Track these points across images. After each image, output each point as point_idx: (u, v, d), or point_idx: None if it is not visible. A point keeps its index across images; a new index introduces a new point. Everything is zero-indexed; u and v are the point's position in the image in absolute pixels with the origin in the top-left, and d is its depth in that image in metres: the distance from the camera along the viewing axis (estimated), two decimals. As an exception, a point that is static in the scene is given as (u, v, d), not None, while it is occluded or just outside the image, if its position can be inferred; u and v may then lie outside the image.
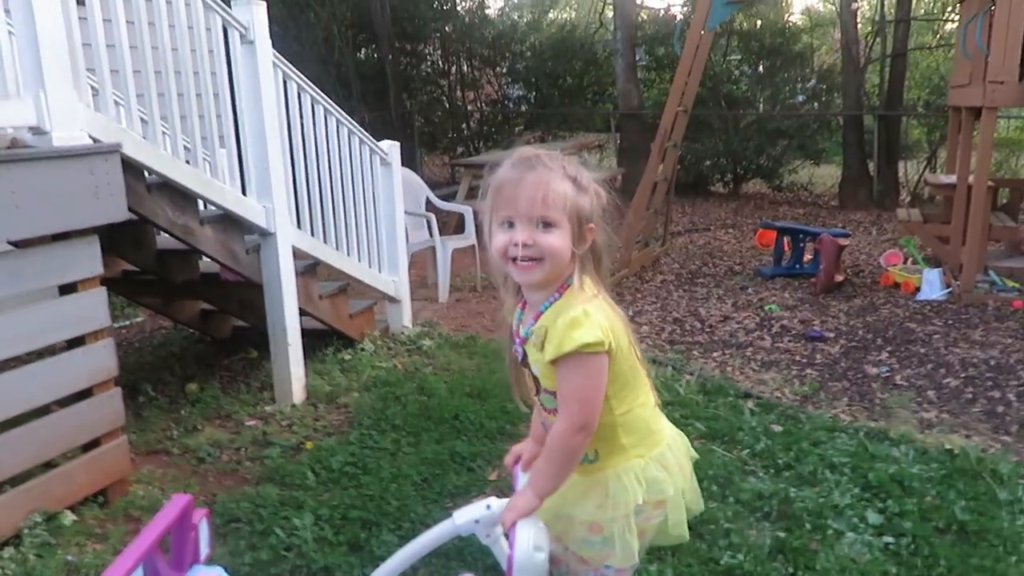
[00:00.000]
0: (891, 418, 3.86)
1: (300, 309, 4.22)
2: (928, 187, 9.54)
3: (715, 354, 4.88)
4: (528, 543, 1.38)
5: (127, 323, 5.74)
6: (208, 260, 4.06)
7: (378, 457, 3.43)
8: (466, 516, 1.77)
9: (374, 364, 4.62)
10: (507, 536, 1.52)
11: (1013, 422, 3.82)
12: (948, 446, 3.45)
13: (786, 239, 7.03)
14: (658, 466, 1.63)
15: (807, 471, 3.27)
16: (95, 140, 2.98)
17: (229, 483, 3.34)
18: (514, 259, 1.52)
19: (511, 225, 1.51)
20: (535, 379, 1.63)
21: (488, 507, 1.76)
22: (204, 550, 1.87)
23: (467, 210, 6.89)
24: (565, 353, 1.47)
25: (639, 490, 1.60)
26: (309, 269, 4.47)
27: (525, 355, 1.63)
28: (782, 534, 2.81)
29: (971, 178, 6.61)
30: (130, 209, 3.19)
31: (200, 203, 3.79)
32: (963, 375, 4.40)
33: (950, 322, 5.38)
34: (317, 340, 4.72)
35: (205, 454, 3.56)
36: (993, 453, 3.45)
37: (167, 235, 3.68)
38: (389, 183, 5.12)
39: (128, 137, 3.18)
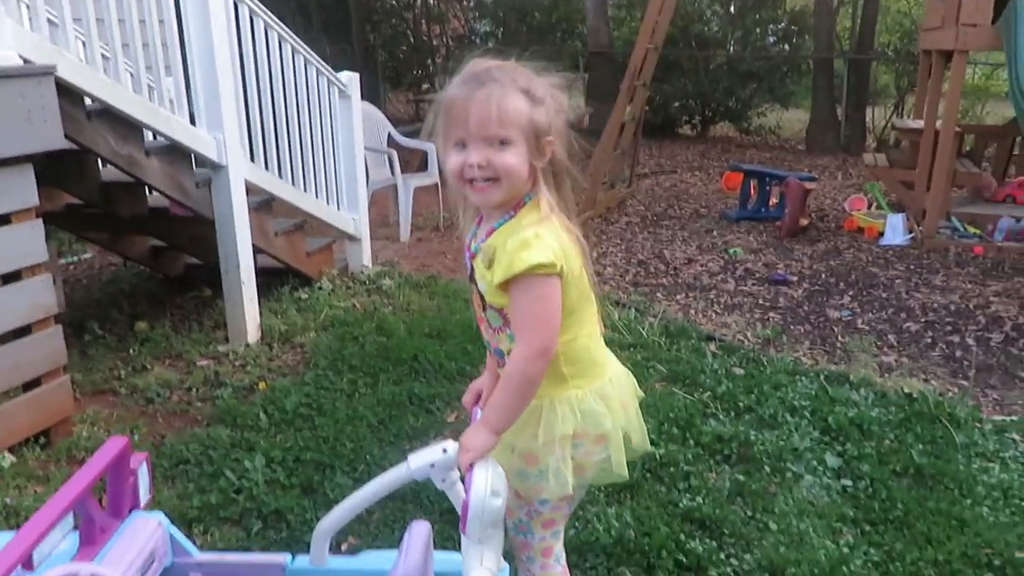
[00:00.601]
0: (852, 362, 3.87)
1: (255, 246, 4.08)
2: (895, 132, 9.52)
3: (679, 297, 4.84)
4: (485, 487, 1.30)
5: (75, 259, 5.54)
6: (158, 194, 3.89)
7: (334, 398, 3.35)
8: (421, 460, 1.70)
9: (332, 304, 4.51)
10: (463, 480, 1.44)
11: (971, 366, 3.84)
12: (907, 390, 3.45)
13: (753, 182, 6.99)
14: (596, 399, 1.54)
15: (767, 414, 3.26)
16: (26, 61, 2.78)
17: (178, 424, 3.24)
18: (470, 180, 1.43)
19: (464, 146, 1.42)
20: (481, 296, 1.55)
21: (444, 451, 1.68)
22: (144, 496, 1.78)
23: (430, 147, 6.70)
24: (516, 274, 1.38)
25: (572, 420, 1.53)
26: (263, 205, 4.31)
27: (473, 270, 1.55)
28: (741, 477, 2.79)
29: (938, 123, 6.59)
30: (68, 137, 3.02)
31: (147, 134, 3.60)
32: (923, 320, 4.42)
33: (912, 267, 5.39)
34: (272, 278, 4.59)
35: (154, 394, 3.45)
36: (951, 397, 3.47)
37: (113, 167, 3.50)
38: (348, 117, 4.93)
39: (64, 59, 2.98)
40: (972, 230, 6.26)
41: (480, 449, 1.42)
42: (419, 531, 1.64)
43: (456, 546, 2.13)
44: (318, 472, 2.79)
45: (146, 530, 1.68)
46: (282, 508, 2.56)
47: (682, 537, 2.46)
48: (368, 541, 2.43)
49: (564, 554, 1.63)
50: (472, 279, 1.58)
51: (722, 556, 2.40)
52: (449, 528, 2.37)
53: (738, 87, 11.48)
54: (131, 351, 3.87)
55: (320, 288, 4.67)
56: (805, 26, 11.83)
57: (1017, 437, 3.16)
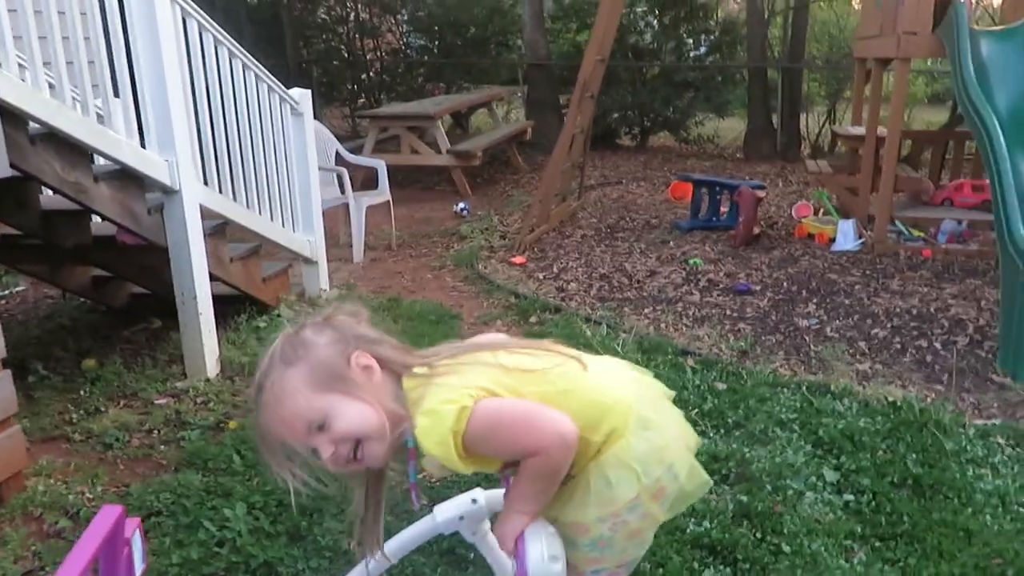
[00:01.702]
0: (828, 371, 3.86)
1: (210, 274, 3.86)
2: (838, 139, 9.74)
3: (647, 310, 4.79)
4: (541, 555, 1.18)
5: (6, 293, 5.18)
6: (101, 221, 3.65)
7: (309, 434, 3.16)
8: (448, 512, 1.57)
9: (293, 331, 4.30)
10: (512, 554, 1.31)
11: (943, 371, 3.88)
12: (891, 398, 3.46)
13: (703, 192, 7.01)
14: (642, 432, 1.36)
15: (758, 429, 3.21)
16: (-36, 83, 2.55)
17: (143, 471, 3.01)
18: (349, 461, 1.31)
19: (312, 451, 1.30)
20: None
21: (474, 501, 1.56)
22: (139, 566, 1.60)
23: (380, 164, 6.55)
24: (457, 452, 1.22)
25: (633, 477, 1.34)
26: (218, 230, 4.10)
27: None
28: (744, 497, 2.73)
29: (881, 130, 6.74)
30: (12, 165, 2.78)
31: (95, 158, 3.37)
32: (889, 325, 4.46)
33: (868, 272, 5.47)
34: (227, 307, 4.36)
35: (112, 439, 3.20)
36: (932, 404, 3.48)
37: (54, 194, 3.25)
38: (301, 135, 4.75)
39: (3, 79, 2.74)
40: (916, 233, 6.39)
41: (518, 530, 1.29)
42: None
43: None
44: (304, 517, 2.61)
45: (148, 607, 1.50)
46: (271, 559, 2.39)
47: (696, 566, 2.38)
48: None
49: None
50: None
51: (739, 584, 2.33)
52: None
53: (675, 97, 11.59)
54: (81, 392, 3.61)
55: (278, 315, 4.46)
56: (737, 36, 12.04)
57: (1002, 441, 3.18)
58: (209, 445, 3.10)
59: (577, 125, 6.87)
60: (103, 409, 3.46)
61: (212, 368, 3.80)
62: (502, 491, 1.59)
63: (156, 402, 3.53)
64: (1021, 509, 2.71)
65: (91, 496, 2.81)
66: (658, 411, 1.43)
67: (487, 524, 1.59)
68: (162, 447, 3.16)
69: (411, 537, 1.56)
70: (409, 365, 1.32)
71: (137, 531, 1.58)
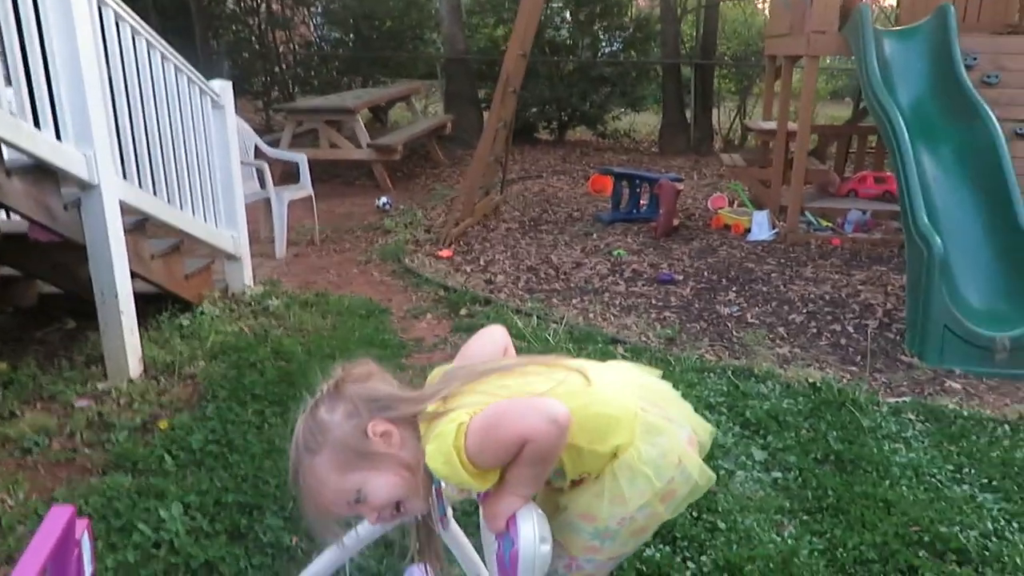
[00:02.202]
0: (751, 356, 4.01)
1: (131, 272, 3.73)
2: (750, 133, 10.06)
3: (575, 301, 4.87)
4: (533, 534, 1.20)
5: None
6: (7, 219, 3.49)
7: (243, 432, 3.10)
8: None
9: (218, 329, 4.20)
10: (498, 536, 1.32)
11: (856, 353, 4.08)
12: (811, 380, 3.62)
13: (624, 184, 7.16)
14: (651, 438, 1.38)
15: (688, 413, 3.31)
16: None
17: (66, 475, 2.89)
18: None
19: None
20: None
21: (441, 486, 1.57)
22: (88, 568, 1.55)
23: (301, 158, 6.43)
24: (466, 467, 1.25)
25: (646, 481, 1.36)
26: (138, 226, 3.96)
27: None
28: (679, 478, 2.81)
29: (792, 124, 7.01)
30: (-82, 158, 2.63)
31: (4, 151, 3.21)
32: (805, 311, 4.66)
33: (782, 261, 5.69)
34: (149, 305, 4.22)
35: (30, 443, 3.06)
36: (849, 384, 3.66)
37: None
38: (222, 128, 4.63)
39: (-91, 69, 2.60)
40: (824, 223, 6.69)
41: (510, 511, 1.31)
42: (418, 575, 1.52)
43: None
44: (244, 515, 2.56)
45: (101, 609, 1.46)
46: (212, 559, 2.34)
47: (637, 545, 2.45)
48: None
49: None
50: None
51: (678, 561, 2.41)
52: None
53: (591, 92, 11.77)
54: (-6, 396, 3.44)
55: (202, 313, 4.35)
56: (650, 33, 12.29)
57: (912, 417, 3.38)
58: (137, 447, 3.00)
59: (500, 119, 6.90)
60: (18, 413, 3.31)
61: (135, 368, 3.68)
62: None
63: (76, 404, 3.39)
64: (933, 479, 2.89)
65: (13, 504, 2.69)
66: (665, 413, 1.45)
67: (450, 511, 1.61)
68: (86, 450, 3.04)
69: (373, 528, 1.56)
70: (420, 411, 1.35)
71: (86, 532, 1.54)
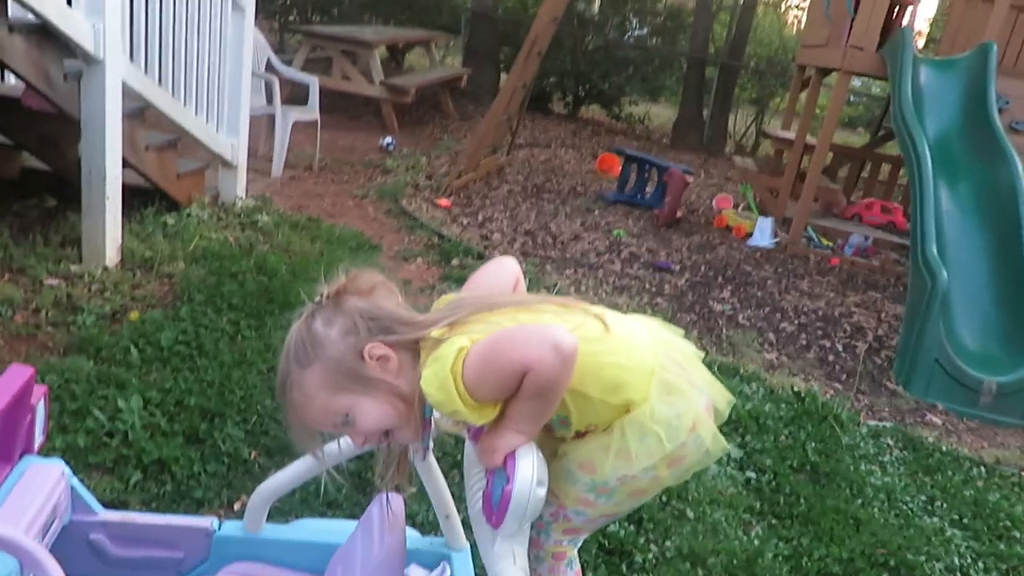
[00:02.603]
0: (739, 355, 3.95)
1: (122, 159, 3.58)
2: (767, 139, 9.96)
3: (568, 272, 4.78)
4: (531, 476, 1.10)
5: None
6: (2, 82, 3.32)
7: (215, 338, 2.99)
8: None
9: (203, 234, 4.06)
10: (494, 471, 1.21)
11: (843, 371, 4.03)
12: (796, 388, 3.56)
13: (633, 167, 7.05)
14: (666, 396, 1.26)
15: (669, 400, 3.24)
16: None
17: (25, 350, 2.77)
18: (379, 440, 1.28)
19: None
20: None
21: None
22: (39, 437, 1.45)
23: (313, 80, 6.26)
24: (463, 395, 1.14)
25: (657, 441, 1.24)
26: (136, 113, 3.80)
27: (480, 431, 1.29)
28: (653, 461, 2.75)
29: (809, 138, 6.93)
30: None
31: (10, 6, 3.04)
32: (796, 322, 4.60)
33: (779, 270, 5.63)
34: (135, 197, 4.06)
35: (-8, 312, 2.94)
36: (832, 399, 3.61)
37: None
38: (239, 32, 4.46)
39: None
40: (825, 242, 6.63)
41: (509, 447, 1.18)
42: (393, 504, 1.43)
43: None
44: (204, 420, 2.46)
45: (47, 481, 1.37)
46: (165, 458, 2.24)
47: (603, 520, 2.38)
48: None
49: (578, 561, 1.42)
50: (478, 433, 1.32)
51: (642, 541, 2.34)
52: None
53: (613, 72, 11.59)
54: (-39, 259, 3.30)
55: (189, 215, 4.20)
56: (680, 25, 12.13)
57: (891, 442, 3.33)
58: (103, 334, 2.88)
59: (521, 79, 6.75)
60: (-15, 280, 3.17)
61: (112, 256, 3.54)
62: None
63: (46, 282, 3.26)
64: (905, 507, 2.84)
65: (-36, 369, 2.56)
66: (685, 375, 1.32)
67: (430, 444, 1.51)
68: (50, 328, 2.92)
69: (348, 447, 1.46)
70: (423, 337, 1.22)
71: (43, 400, 1.43)
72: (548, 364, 1.12)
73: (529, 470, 1.10)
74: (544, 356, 1.12)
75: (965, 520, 2.82)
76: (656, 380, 1.28)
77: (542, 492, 1.11)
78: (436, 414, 1.34)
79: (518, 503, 1.08)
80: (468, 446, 1.39)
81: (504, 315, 1.26)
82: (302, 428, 1.26)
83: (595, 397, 1.24)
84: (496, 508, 1.13)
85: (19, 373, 1.31)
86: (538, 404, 1.18)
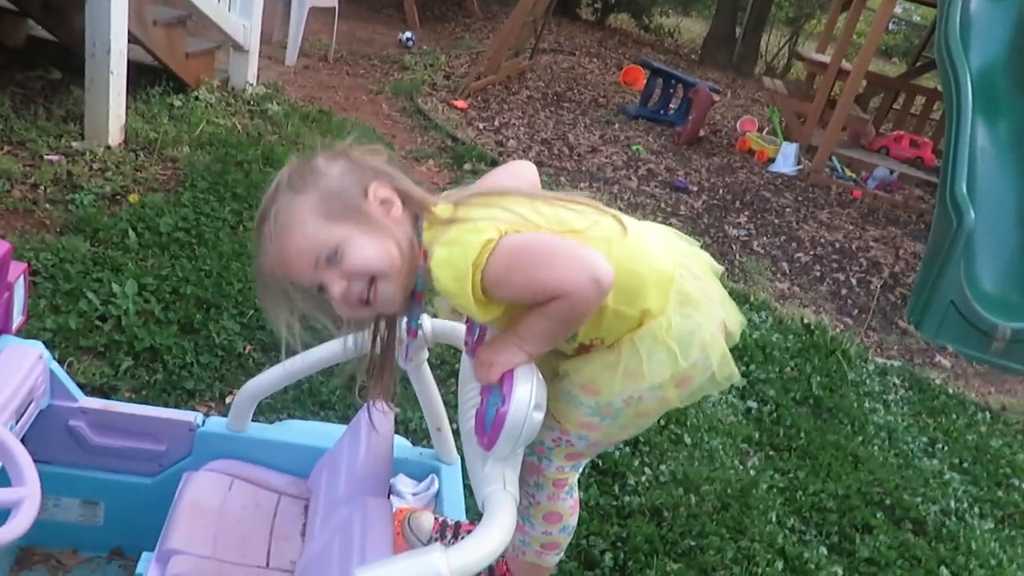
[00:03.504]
0: (750, 283, 3.87)
1: (129, 33, 3.42)
2: (801, 62, 9.62)
3: (582, 184, 4.65)
4: (528, 399, 1.03)
5: None
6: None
7: (216, 228, 2.91)
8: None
9: (210, 119, 3.94)
10: (490, 388, 1.13)
11: (855, 306, 3.95)
12: (806, 320, 3.49)
13: (658, 82, 6.81)
14: (683, 309, 1.17)
15: (676, 323, 3.18)
16: None
17: (22, 226, 2.70)
18: (360, 303, 1.09)
19: (320, 289, 1.09)
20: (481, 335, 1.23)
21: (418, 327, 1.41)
22: (18, 317, 1.39)
23: (333, -35, 5.98)
24: (473, 289, 1.04)
25: (670, 358, 1.16)
26: (145, -16, 3.62)
27: (472, 325, 1.22)
28: (654, 384, 2.70)
29: (844, 63, 6.66)
30: None
31: None
32: (812, 252, 4.50)
33: (799, 198, 5.48)
34: (141, 76, 3.92)
35: (-11, 184, 2.86)
36: (842, 333, 3.54)
37: None
38: (257, -97, 4.21)
39: None
40: (849, 173, 6.45)
41: (508, 364, 1.10)
42: (382, 413, 1.37)
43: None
44: (200, 310, 2.41)
45: (23, 363, 1.31)
46: (158, 346, 2.19)
47: (598, 439, 2.34)
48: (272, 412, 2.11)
49: (577, 488, 1.36)
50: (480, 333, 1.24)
51: (636, 464, 2.31)
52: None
53: (646, -20, 11.18)
54: (-42, 127, 3.20)
55: (197, 98, 4.07)
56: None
57: (897, 381, 3.28)
58: (102, 214, 2.80)
59: (550, -22, 6.46)
60: (-18, 151, 3.08)
61: (115, 135, 3.43)
62: (450, 323, 1.43)
63: (46, 157, 3.16)
64: (905, 447, 2.80)
65: (-42, 240, 2.49)
66: (702, 287, 1.23)
67: (425, 353, 1.45)
68: (47, 205, 2.83)
69: (340, 349, 1.39)
70: (431, 203, 1.12)
71: (22, 278, 1.36)
72: (584, 294, 1.04)
73: (527, 393, 1.03)
74: (582, 285, 1.03)
75: (965, 464, 2.79)
76: (674, 290, 1.18)
77: (539, 416, 1.04)
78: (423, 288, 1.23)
79: (512, 426, 1.02)
80: (465, 359, 1.33)
81: (520, 203, 1.14)
82: (276, 267, 1.10)
83: (609, 305, 1.13)
84: (489, 430, 1.06)
85: (-6, 249, 1.24)
86: (556, 328, 1.09)
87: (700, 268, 1.25)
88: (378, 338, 1.22)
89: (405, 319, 1.22)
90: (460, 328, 1.43)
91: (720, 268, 1.33)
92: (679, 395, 1.20)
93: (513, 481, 1.08)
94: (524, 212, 1.10)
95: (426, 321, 1.41)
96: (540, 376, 1.08)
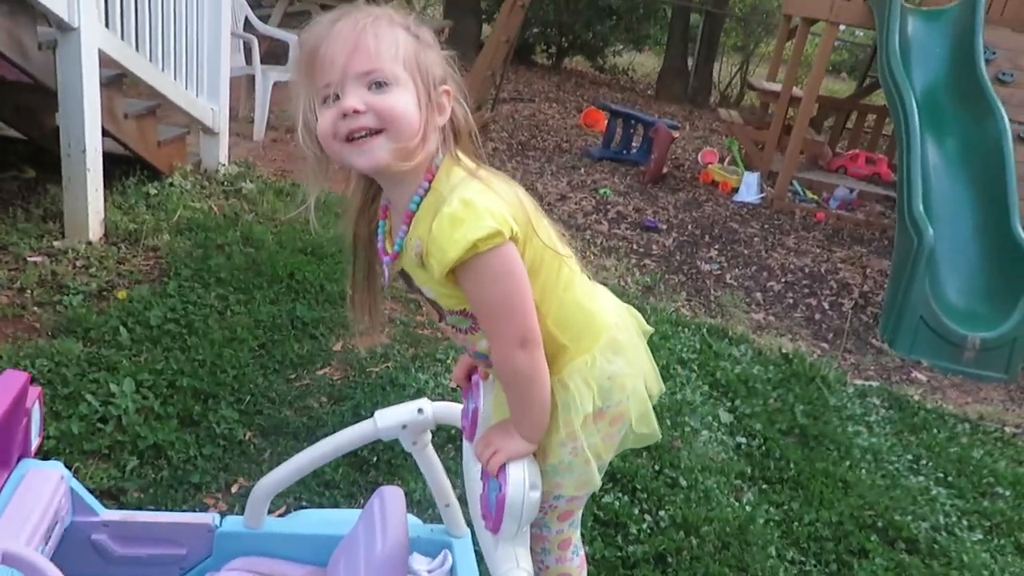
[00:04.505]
0: (727, 316, 3.97)
1: (102, 128, 3.50)
2: (753, 91, 9.88)
3: (555, 233, 4.76)
4: (523, 480, 1.11)
5: None
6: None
7: (204, 315, 2.97)
8: (391, 419, 1.49)
9: (186, 203, 4.01)
10: (483, 476, 1.23)
11: (829, 330, 4.07)
12: (784, 350, 3.59)
13: (618, 123, 6.99)
14: (611, 355, 1.30)
15: (660, 365, 3.24)
16: None
17: (12, 332, 2.74)
18: (348, 138, 1.14)
19: (336, 98, 1.13)
20: (433, 304, 1.30)
21: (420, 411, 1.48)
22: (35, 439, 1.44)
23: (292, 39, 6.11)
24: (456, 260, 1.12)
25: (590, 394, 1.27)
26: (114, 80, 3.71)
27: (408, 277, 1.27)
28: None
29: (795, 89, 6.88)
30: None
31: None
32: (783, 280, 4.63)
33: (766, 226, 5.64)
34: (116, 167, 3.99)
35: (-24, 293, 2.90)
36: (820, 358, 3.65)
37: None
38: (216, -8, 4.33)
39: None
40: (811, 195, 6.64)
41: (514, 454, 1.21)
42: (393, 498, 1.44)
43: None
44: (198, 401, 2.46)
45: (46, 485, 1.37)
46: (161, 442, 2.23)
47: (596, 492, 2.41)
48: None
49: (582, 545, 1.44)
50: (411, 288, 1.30)
51: (636, 512, 2.38)
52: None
53: (596, 21, 11.45)
54: (-60, 237, 3.24)
55: (172, 184, 4.14)
56: (665, -29, 11.95)
57: (877, 401, 3.38)
58: (91, 313, 2.85)
59: (505, 32, 6.64)
60: (-34, 259, 3.12)
61: (95, 230, 3.49)
62: (449, 404, 1.52)
63: (29, 259, 3.21)
64: (891, 467, 2.90)
65: (-48, 353, 2.54)
66: (633, 342, 1.37)
67: (428, 436, 1.52)
68: (36, 309, 2.88)
69: (348, 439, 1.47)
70: (459, 151, 1.21)
71: (37, 402, 1.42)
72: (508, 352, 1.19)
73: (521, 474, 1.12)
74: (510, 341, 1.19)
75: (950, 478, 2.89)
76: (607, 336, 1.31)
77: (536, 495, 1.13)
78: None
79: (513, 507, 1.10)
80: (466, 445, 1.40)
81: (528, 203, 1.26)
82: (331, 44, 1.12)
83: (546, 317, 1.25)
84: (493, 513, 1.14)
85: (14, 379, 1.30)
86: (519, 395, 1.23)
87: (633, 328, 1.40)
88: (359, 264, 1.34)
89: (381, 237, 1.31)
90: (458, 408, 1.52)
91: (650, 329, 1.49)
92: (618, 431, 1.33)
93: (525, 557, 1.15)
94: (532, 212, 1.22)
95: (427, 404, 1.49)
96: (532, 457, 1.16)
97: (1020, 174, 4.46)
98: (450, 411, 1.51)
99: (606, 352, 1.31)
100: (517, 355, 1.19)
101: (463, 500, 1.58)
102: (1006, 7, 6.20)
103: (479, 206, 1.12)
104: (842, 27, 12.29)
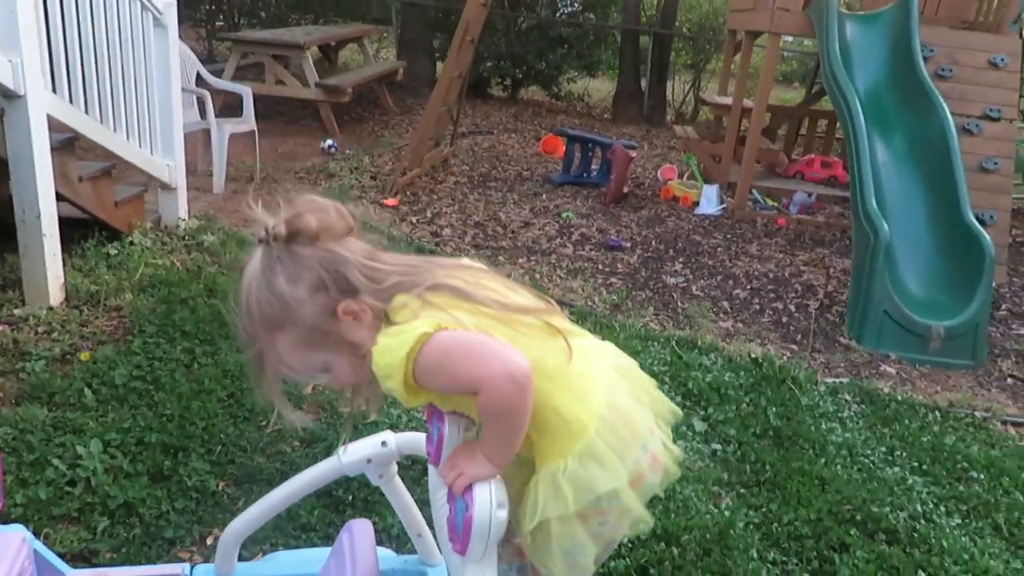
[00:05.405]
0: (695, 327, 4.01)
1: (56, 193, 3.49)
2: (705, 106, 10.05)
3: (521, 260, 4.80)
4: (489, 500, 1.11)
5: None
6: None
7: (171, 370, 2.95)
8: (356, 454, 1.49)
9: (148, 261, 3.99)
10: (453, 496, 1.22)
11: (797, 332, 4.12)
12: (753, 355, 3.63)
13: (576, 147, 7.07)
14: (587, 463, 1.23)
15: (631, 380, 3.28)
16: None
17: (-25, 403, 2.71)
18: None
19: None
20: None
21: (383, 444, 1.49)
22: (-4, 505, 1.42)
23: (246, 91, 6.15)
24: (403, 364, 1.13)
25: (558, 498, 1.22)
26: (66, 144, 3.71)
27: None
28: (620, 445, 2.79)
29: (746, 101, 7.02)
30: None
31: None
32: (749, 287, 4.68)
33: (728, 236, 5.71)
34: (73, 230, 3.98)
35: (-63, 366, 2.87)
36: (789, 360, 3.69)
37: None
38: (164, 49, 4.36)
39: None
40: (771, 203, 6.74)
41: (479, 476, 1.18)
42: (361, 531, 1.44)
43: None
44: (168, 456, 2.44)
45: (8, 550, 1.35)
46: (132, 500, 2.21)
47: (576, 510, 2.41)
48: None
49: None
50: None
51: (616, 527, 2.38)
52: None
53: (548, 51, 11.59)
54: (-103, 314, 3.20)
55: (132, 243, 4.13)
56: (610, -3, 12.17)
57: (848, 398, 3.42)
58: (55, 378, 2.83)
59: (456, 69, 6.72)
60: (-75, 334, 3.09)
61: (56, 296, 3.46)
62: (413, 434, 1.52)
63: (-10, 330, 3.18)
64: (866, 460, 2.93)
65: (-86, 430, 2.50)
66: (621, 437, 1.26)
67: (394, 468, 1.53)
68: (-1, 378, 2.85)
69: (314, 477, 1.47)
70: (389, 304, 1.20)
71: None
72: (499, 387, 1.12)
73: (487, 494, 1.12)
74: (495, 378, 1.12)
75: (924, 467, 2.92)
76: (584, 443, 1.24)
77: (503, 514, 1.13)
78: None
79: (480, 527, 1.10)
80: (431, 471, 1.40)
81: (479, 316, 1.21)
82: (270, 377, 1.25)
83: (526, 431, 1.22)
84: (460, 535, 1.14)
85: (-34, 446, 1.29)
86: (503, 431, 1.18)
87: (641, 388, 1.36)
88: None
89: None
90: (422, 437, 1.52)
91: (654, 382, 1.43)
92: (611, 518, 1.27)
93: (493, 579, 1.15)
94: (476, 291, 1.21)
95: (390, 437, 1.50)
96: (498, 476, 1.17)
97: (966, 164, 4.58)
98: (414, 440, 1.52)
99: (583, 460, 1.24)
100: (506, 390, 1.13)
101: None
102: (940, 6, 6.39)
103: (399, 328, 1.16)
104: (789, 38, 12.58)
